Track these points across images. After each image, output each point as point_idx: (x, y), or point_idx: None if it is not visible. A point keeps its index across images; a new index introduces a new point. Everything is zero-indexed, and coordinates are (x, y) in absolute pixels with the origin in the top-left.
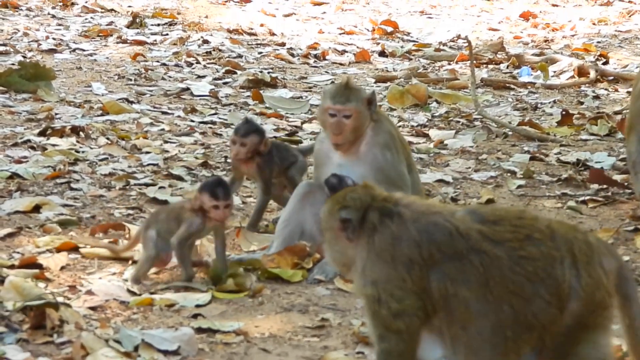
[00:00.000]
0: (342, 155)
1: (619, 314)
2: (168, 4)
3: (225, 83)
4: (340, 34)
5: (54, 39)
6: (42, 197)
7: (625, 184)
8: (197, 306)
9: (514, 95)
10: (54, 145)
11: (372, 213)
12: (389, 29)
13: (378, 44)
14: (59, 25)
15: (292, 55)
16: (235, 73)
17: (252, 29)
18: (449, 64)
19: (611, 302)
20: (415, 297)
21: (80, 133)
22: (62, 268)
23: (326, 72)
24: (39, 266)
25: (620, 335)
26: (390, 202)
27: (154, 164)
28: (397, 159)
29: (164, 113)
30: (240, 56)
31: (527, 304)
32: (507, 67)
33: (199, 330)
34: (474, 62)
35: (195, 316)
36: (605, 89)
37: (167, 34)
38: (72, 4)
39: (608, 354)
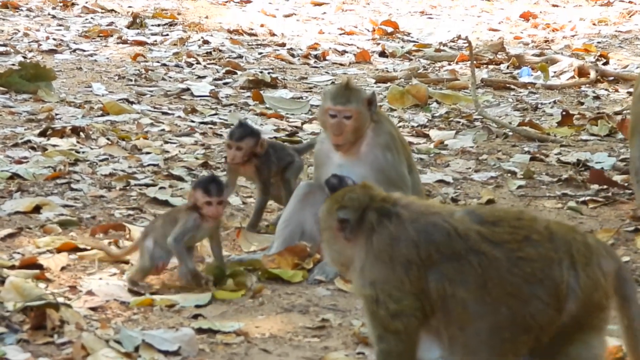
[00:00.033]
0: (343, 156)
1: (618, 315)
2: (168, 5)
3: (225, 83)
4: (340, 34)
5: (54, 39)
6: (42, 198)
7: (626, 184)
8: (198, 306)
9: (514, 95)
10: (54, 145)
11: (371, 213)
12: (389, 30)
13: (378, 44)
14: (60, 25)
15: (293, 55)
16: (236, 73)
17: (252, 29)
18: (449, 65)
19: (608, 303)
20: (414, 298)
21: (81, 133)
22: (63, 268)
23: (326, 72)
24: (40, 267)
25: (620, 336)
26: (389, 203)
27: (154, 165)
28: (398, 160)
29: (164, 113)
30: (240, 57)
31: (525, 306)
32: (508, 68)
33: (200, 330)
34: (474, 62)
35: (195, 317)
36: (606, 90)
37: (167, 35)
38: (73, 4)
39: (599, 355)
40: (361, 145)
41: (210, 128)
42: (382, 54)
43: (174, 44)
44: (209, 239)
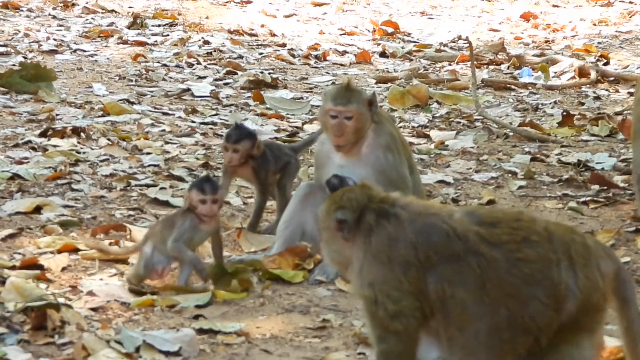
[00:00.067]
0: (344, 157)
1: (617, 316)
2: (169, 5)
3: (226, 84)
4: (340, 34)
5: (54, 39)
6: (43, 198)
7: (627, 185)
8: (198, 307)
9: (514, 96)
10: (54, 146)
11: (369, 214)
12: (390, 30)
13: (379, 44)
14: (60, 26)
15: (293, 56)
16: (236, 74)
17: (252, 29)
18: (450, 65)
19: (606, 305)
20: (412, 298)
21: (81, 134)
22: (63, 269)
23: (327, 72)
24: (40, 267)
25: (619, 336)
26: (387, 203)
27: (154, 165)
28: (399, 161)
29: (164, 114)
30: (241, 57)
31: (524, 307)
32: (508, 68)
33: (200, 331)
34: (475, 62)
35: (196, 317)
36: (606, 90)
37: (167, 35)
38: (73, 4)
39: (589, 356)
40: (362, 145)
41: (211, 128)
42: (383, 54)
43: (175, 45)
44: (210, 240)
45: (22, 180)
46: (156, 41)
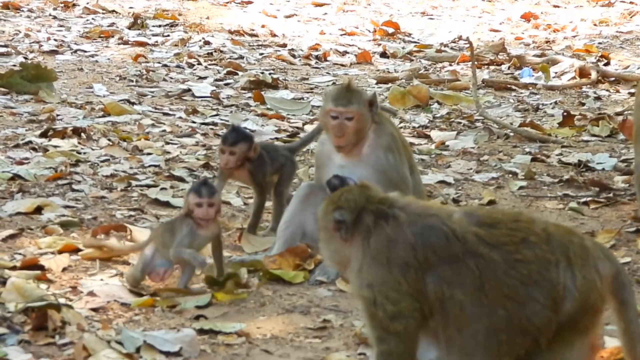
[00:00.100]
0: (344, 157)
1: (615, 318)
2: (169, 5)
3: (226, 84)
4: (341, 35)
5: (55, 40)
6: (43, 199)
7: (627, 185)
8: (199, 307)
9: (515, 96)
10: (55, 146)
11: (367, 215)
12: (390, 30)
13: (379, 45)
14: (61, 26)
15: (294, 56)
16: (237, 74)
17: (253, 30)
18: (450, 65)
19: (603, 306)
20: (411, 299)
21: (82, 134)
22: (64, 269)
23: (327, 73)
24: (41, 267)
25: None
26: (386, 204)
27: (155, 165)
28: (400, 161)
29: (165, 114)
30: (241, 57)
31: (522, 308)
32: (509, 68)
33: (201, 331)
34: (476, 63)
35: (197, 317)
36: (607, 90)
37: (168, 35)
38: (74, 5)
39: (579, 357)
40: (363, 146)
41: (212, 129)
42: (383, 54)
43: (175, 45)
44: (211, 245)
45: (23, 180)
46: (157, 41)
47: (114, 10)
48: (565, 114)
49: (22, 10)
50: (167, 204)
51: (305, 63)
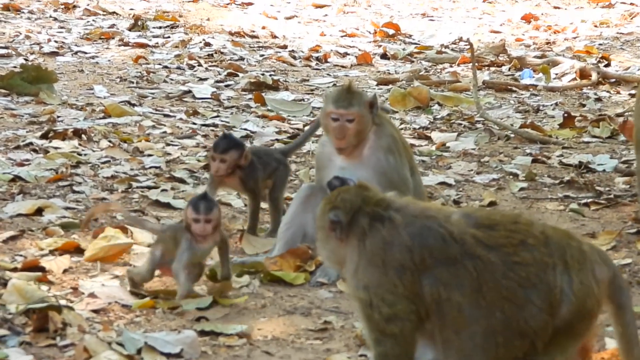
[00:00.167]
0: (345, 159)
1: (612, 321)
2: (170, 7)
3: (227, 86)
4: (342, 36)
5: (55, 41)
6: (44, 200)
7: (628, 186)
8: (200, 309)
9: (515, 97)
10: (56, 148)
11: (362, 217)
12: (391, 32)
13: (380, 46)
14: (61, 28)
15: (294, 57)
16: (237, 76)
17: (253, 31)
18: (451, 67)
19: (599, 311)
20: (407, 302)
21: (83, 136)
22: (65, 271)
23: (328, 74)
24: (42, 269)
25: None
26: (382, 206)
27: (156, 167)
28: (400, 163)
29: (166, 116)
30: (242, 59)
31: (520, 310)
32: (509, 70)
33: (202, 333)
34: (476, 64)
35: (198, 319)
36: (607, 91)
37: (169, 37)
38: (74, 6)
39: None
40: (363, 148)
41: (212, 130)
42: (384, 56)
43: (176, 46)
44: (218, 248)
45: (24, 182)
46: (157, 43)
47: (114, 12)
48: (565, 115)
49: (23, 12)
50: (167, 205)
51: (305, 64)
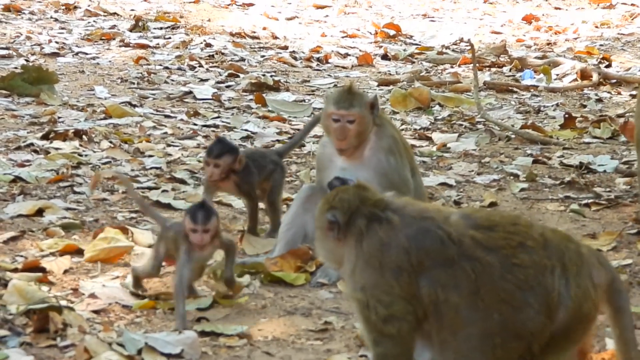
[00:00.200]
0: (346, 160)
1: (610, 324)
2: (171, 8)
3: (228, 86)
4: (342, 37)
5: (56, 42)
6: (45, 201)
7: (629, 187)
8: (200, 310)
9: (516, 98)
10: (57, 148)
11: (360, 218)
12: (392, 32)
13: (381, 47)
14: (62, 28)
15: (295, 58)
16: (238, 76)
17: (254, 32)
18: (452, 67)
19: (596, 315)
20: (404, 303)
21: (83, 136)
22: (65, 271)
23: (329, 75)
24: (42, 270)
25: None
26: (379, 207)
27: (156, 168)
28: (401, 164)
29: (166, 116)
30: (242, 59)
31: (517, 312)
32: (510, 70)
33: (203, 333)
34: (477, 65)
35: (198, 320)
36: (608, 92)
37: (169, 38)
38: (75, 7)
39: None
40: (364, 149)
41: (213, 131)
42: (385, 56)
43: (177, 47)
44: (224, 254)
45: (24, 182)
46: (158, 44)
47: (115, 13)
48: (566, 116)
49: (24, 13)
50: (168, 206)
51: (306, 65)
